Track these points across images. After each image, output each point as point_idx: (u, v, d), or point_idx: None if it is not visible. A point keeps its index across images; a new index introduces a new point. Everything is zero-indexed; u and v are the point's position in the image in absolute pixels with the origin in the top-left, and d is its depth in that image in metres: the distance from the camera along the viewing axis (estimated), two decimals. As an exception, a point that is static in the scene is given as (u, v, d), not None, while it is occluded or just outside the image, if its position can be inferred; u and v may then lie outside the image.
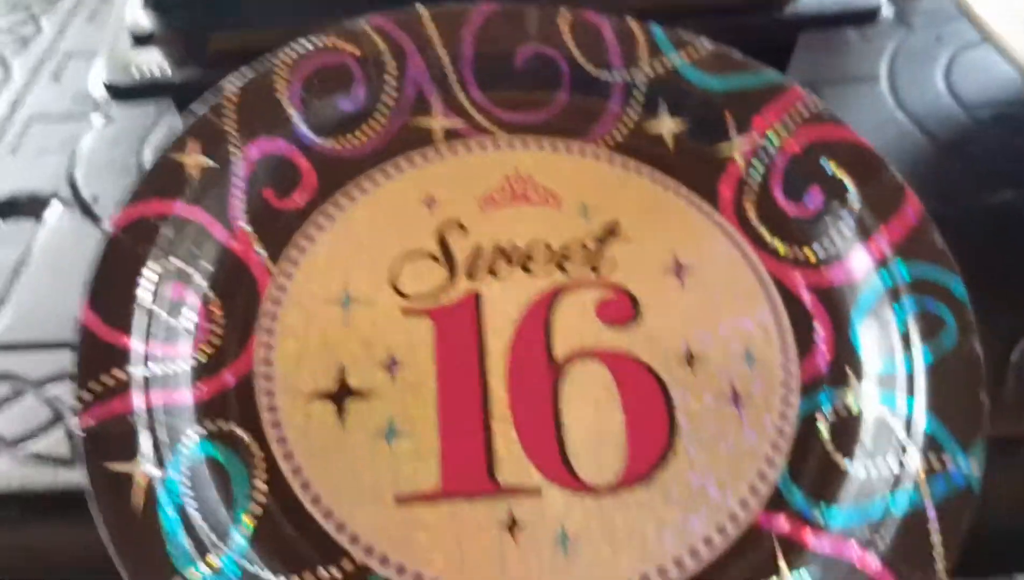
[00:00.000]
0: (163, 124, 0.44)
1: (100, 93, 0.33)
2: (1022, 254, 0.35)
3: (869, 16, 0.36)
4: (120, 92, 0.33)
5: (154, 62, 0.34)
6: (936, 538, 0.24)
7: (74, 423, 0.25)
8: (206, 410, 0.26)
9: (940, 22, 0.48)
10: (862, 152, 0.31)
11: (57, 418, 0.31)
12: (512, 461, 0.26)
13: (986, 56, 0.45)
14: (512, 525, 0.25)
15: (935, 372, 0.27)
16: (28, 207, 0.40)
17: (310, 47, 0.32)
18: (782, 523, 0.26)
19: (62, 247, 0.38)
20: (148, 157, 0.42)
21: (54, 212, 0.39)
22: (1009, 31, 0.37)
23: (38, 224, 0.39)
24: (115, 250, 0.27)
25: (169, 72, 0.33)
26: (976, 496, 0.25)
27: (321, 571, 0.25)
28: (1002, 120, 0.42)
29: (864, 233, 0.29)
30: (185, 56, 0.34)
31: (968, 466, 0.25)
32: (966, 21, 0.37)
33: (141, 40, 0.34)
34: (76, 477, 0.29)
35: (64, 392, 0.32)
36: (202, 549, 0.24)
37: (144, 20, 0.35)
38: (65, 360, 0.32)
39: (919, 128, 0.42)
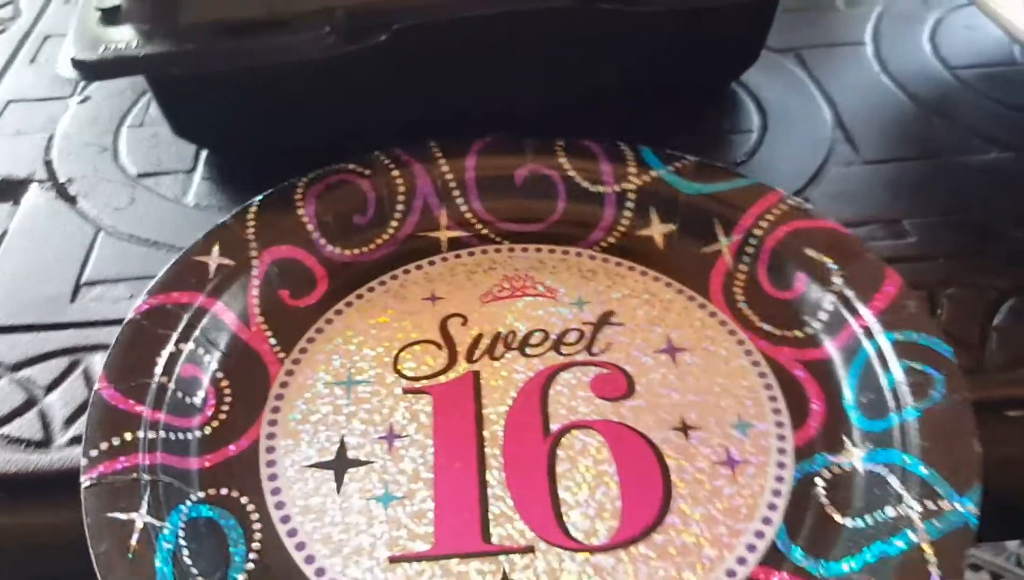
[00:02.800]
0: (140, 105, 0.44)
1: (68, 72, 0.33)
2: (1006, 214, 0.35)
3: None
4: (87, 68, 0.32)
5: (123, 38, 0.33)
6: (935, 572, 0.24)
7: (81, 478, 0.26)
8: (209, 477, 0.28)
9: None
10: (841, 237, 0.32)
11: (30, 402, 0.31)
12: (506, 522, 0.26)
13: (972, 17, 0.45)
14: None
15: (926, 425, 0.27)
16: (5, 190, 0.39)
17: (328, 172, 0.35)
18: (781, 578, 0.25)
19: (39, 229, 0.37)
20: (124, 137, 0.42)
21: (31, 194, 0.39)
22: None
23: (15, 207, 0.38)
24: (135, 333, 0.30)
25: (136, 47, 0.33)
26: (973, 531, 0.25)
27: None
28: (986, 80, 0.41)
29: (849, 309, 0.30)
30: (154, 30, 0.33)
31: (964, 507, 0.25)
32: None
33: (109, 15, 0.34)
34: (47, 459, 0.29)
35: (37, 374, 0.31)
36: None
37: (113, -5, 0.34)
38: (39, 343, 0.33)
39: (903, 91, 0.41)
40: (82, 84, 0.45)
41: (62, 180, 0.39)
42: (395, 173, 0.35)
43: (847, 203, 0.36)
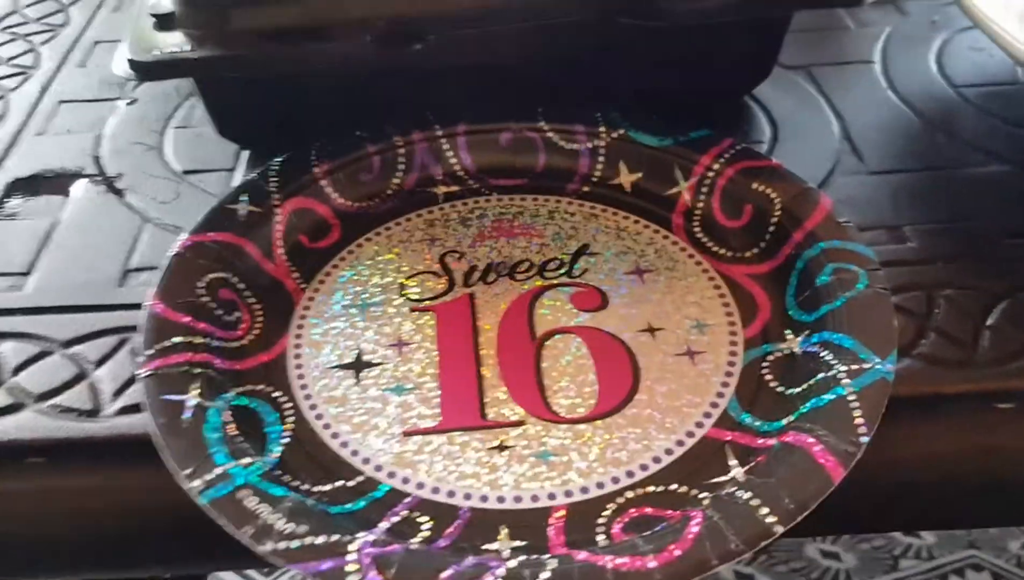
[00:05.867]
0: (185, 107, 0.46)
1: (124, 71, 0.35)
2: (1002, 223, 0.37)
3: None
4: (143, 69, 0.35)
5: (175, 42, 0.36)
6: (857, 412, 0.28)
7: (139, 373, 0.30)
8: (245, 378, 0.32)
9: (935, 8, 0.50)
10: (781, 173, 0.37)
11: (80, 375, 0.33)
12: (500, 405, 0.31)
13: (977, 40, 0.46)
14: (501, 447, 0.30)
15: (851, 310, 0.32)
16: (56, 183, 0.42)
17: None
18: (732, 435, 0.30)
19: (87, 219, 0.40)
20: (170, 137, 0.44)
21: (80, 187, 0.41)
22: (999, 16, 0.38)
23: (66, 199, 0.41)
24: (179, 263, 0.34)
25: (189, 50, 0.35)
26: (890, 385, 0.29)
27: (338, 482, 0.29)
28: (989, 98, 0.43)
29: (789, 230, 0.35)
30: (205, 35, 0.36)
31: (883, 365, 0.29)
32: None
33: (163, 21, 0.36)
34: (95, 427, 0.31)
35: (87, 350, 0.34)
36: (238, 456, 0.29)
37: (166, 1, 0.37)
38: (90, 322, 0.35)
39: (909, 107, 0.43)
40: (130, 87, 0.47)
41: (110, 174, 0.42)
42: (397, 140, 0.40)
43: (851, 210, 0.37)
